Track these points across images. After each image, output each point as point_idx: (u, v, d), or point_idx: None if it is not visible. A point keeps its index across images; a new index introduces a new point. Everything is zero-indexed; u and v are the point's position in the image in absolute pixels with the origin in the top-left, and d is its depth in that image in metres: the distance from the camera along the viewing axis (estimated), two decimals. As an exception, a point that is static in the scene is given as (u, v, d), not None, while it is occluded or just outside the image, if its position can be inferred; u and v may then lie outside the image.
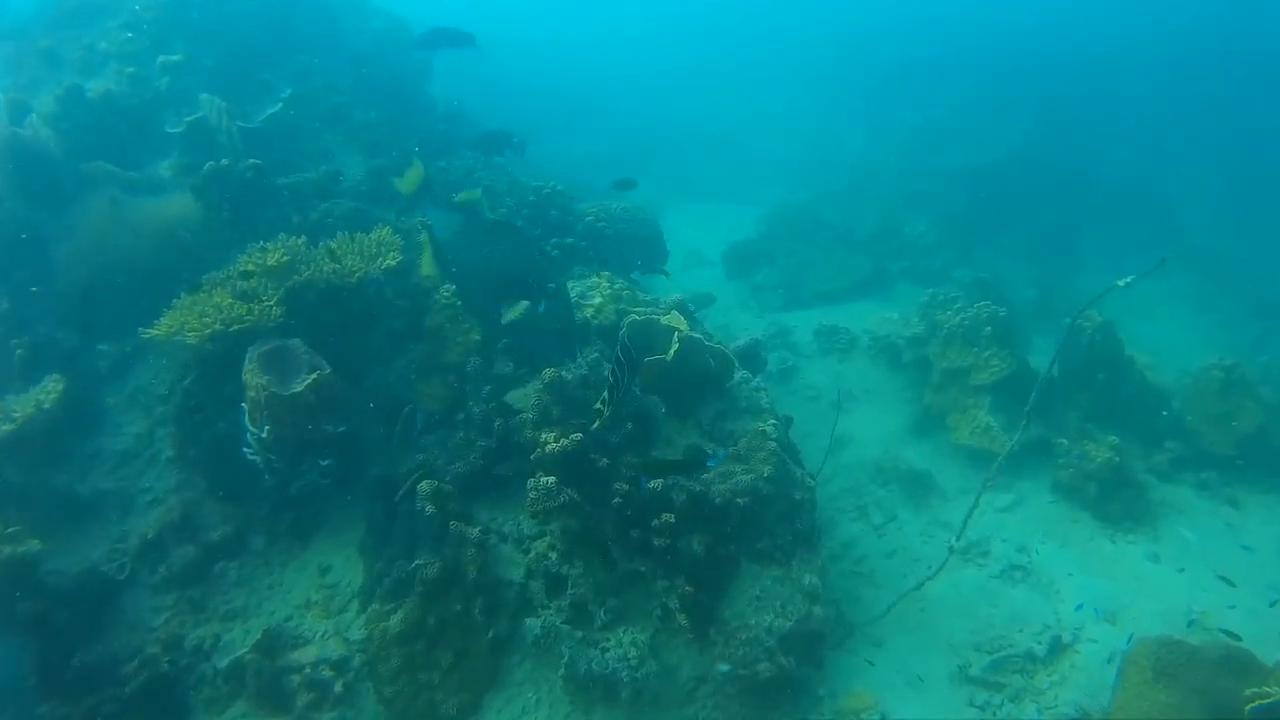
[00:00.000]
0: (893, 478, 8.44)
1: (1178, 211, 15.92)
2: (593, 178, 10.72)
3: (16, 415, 5.71)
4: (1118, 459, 7.84)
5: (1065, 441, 8.21)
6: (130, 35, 8.52)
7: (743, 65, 24.07)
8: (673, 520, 5.06)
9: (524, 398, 5.63)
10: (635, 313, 6.22)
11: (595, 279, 6.66)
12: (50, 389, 5.93)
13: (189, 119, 7.58)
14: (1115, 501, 7.84)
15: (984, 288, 10.95)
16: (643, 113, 20.67)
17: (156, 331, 5.51)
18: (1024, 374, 8.77)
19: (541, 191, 7.90)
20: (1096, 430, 8.38)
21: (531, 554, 5.34)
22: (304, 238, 5.99)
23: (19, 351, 6.16)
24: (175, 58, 8.25)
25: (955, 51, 20.86)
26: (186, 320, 5.48)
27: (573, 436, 5.03)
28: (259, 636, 5.32)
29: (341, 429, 5.53)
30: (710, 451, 5.71)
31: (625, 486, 5.07)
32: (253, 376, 5.16)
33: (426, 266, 5.11)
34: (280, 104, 8.26)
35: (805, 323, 11.13)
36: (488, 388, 5.63)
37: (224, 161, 6.84)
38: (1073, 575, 7.27)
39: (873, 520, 7.93)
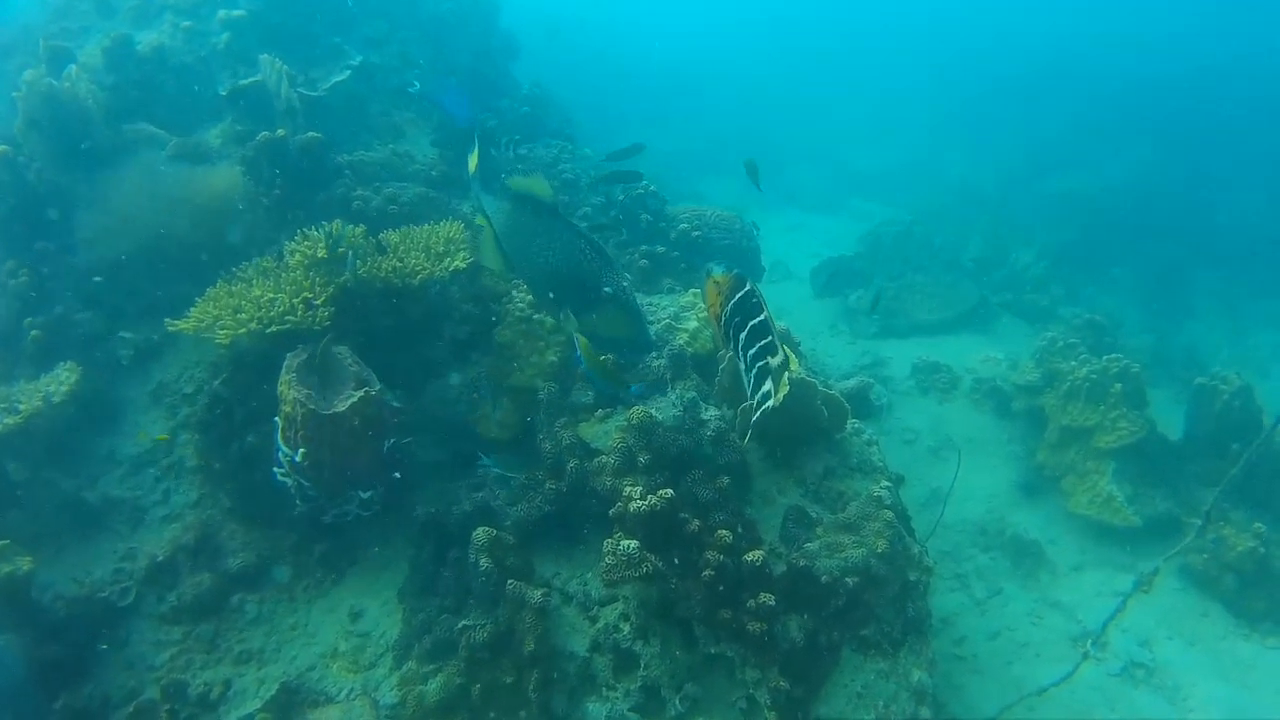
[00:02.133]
0: (997, 544, 7.64)
1: (1303, 257, 14.82)
2: (680, 178, 10.01)
3: (22, 408, 5.10)
4: (1263, 550, 6.94)
5: (1199, 522, 7.32)
6: (191, -17, 7.94)
7: (839, 73, 23.42)
8: (773, 603, 4.30)
9: (603, 436, 4.90)
10: (736, 343, 5.46)
11: (689, 297, 5.94)
12: (63, 379, 5.31)
13: (245, 82, 6.95)
14: (1256, 597, 6.95)
15: (1098, 331, 10.09)
16: (734, 113, 19.95)
17: (184, 325, 4.88)
18: (1154, 440, 7.89)
19: (632, 191, 7.16)
20: (1235, 511, 7.48)
21: (600, 623, 4.61)
22: (362, 227, 5.31)
23: (33, 333, 5.55)
24: (237, 12, 7.63)
25: (1066, 72, 20.10)
26: (219, 314, 4.83)
27: (662, 494, 4.29)
28: (275, 691, 4.65)
29: (389, 456, 4.83)
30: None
31: (719, 557, 4.33)
32: (289, 389, 4.48)
33: (489, 259, 4.39)
34: (349, 72, 7.63)
35: (902, 355, 10.32)
36: (562, 419, 4.90)
37: (280, 132, 6.19)
38: (1204, 680, 6.43)
39: (975, 593, 7.13)
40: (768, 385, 3.20)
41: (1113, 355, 8.12)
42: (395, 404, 4.97)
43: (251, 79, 6.99)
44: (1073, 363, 8.30)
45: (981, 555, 7.57)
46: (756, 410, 3.25)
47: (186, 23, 7.66)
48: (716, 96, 20.78)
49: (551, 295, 4.05)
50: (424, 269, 5.12)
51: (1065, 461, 8.04)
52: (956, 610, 6.89)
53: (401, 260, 5.13)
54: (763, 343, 3.22)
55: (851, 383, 6.32)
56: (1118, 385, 7.87)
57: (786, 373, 4.99)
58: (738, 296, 3.31)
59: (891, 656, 4.84)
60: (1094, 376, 7.97)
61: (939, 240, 13.79)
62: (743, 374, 3.38)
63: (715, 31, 28.05)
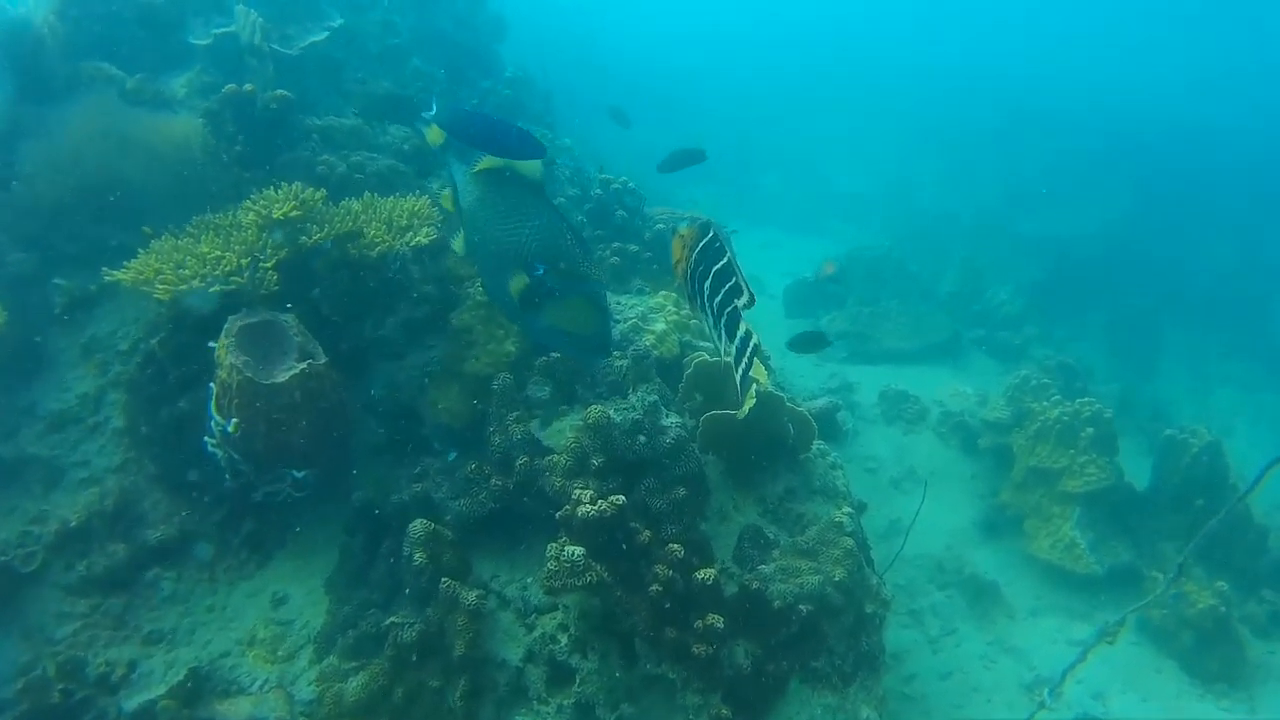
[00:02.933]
0: (954, 581, 7.49)
1: (1274, 317, 14.95)
2: (658, 179, 9.80)
3: (-64, 348, 4.78)
4: (1224, 609, 6.82)
5: (1160, 576, 7.20)
6: (170, -76, 7.59)
7: (822, 85, 23.44)
8: (721, 626, 4.09)
9: (555, 434, 4.67)
10: (702, 351, 5.26)
11: (659, 298, 5.72)
12: (-13, 321, 4.98)
13: (217, 31, 6.65)
14: (1212, 657, 6.83)
15: (1069, 374, 10.01)
16: (710, 115, 19.79)
17: (122, 275, 4.58)
18: (1121, 488, 7.76)
19: (610, 186, 6.92)
20: (1195, 568, 7.36)
21: (537, 632, 4.36)
22: (323, 191, 5.04)
23: (-42, 270, 5.23)
24: (215, -43, 7.30)
25: (1049, 115, 20.29)
26: (161, 268, 4.54)
27: (614, 499, 4.07)
28: (182, 676, 4.36)
29: (328, 435, 4.56)
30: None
31: (668, 572, 4.11)
32: (226, 354, 4.21)
33: (458, 244, 4.14)
34: (327, 33, 7.32)
35: (870, 381, 10.16)
36: (514, 413, 4.65)
37: (247, 86, 5.91)
38: (1155, 739, 6.32)
39: (928, 630, 6.97)
40: (744, 328, 2.89)
41: (1085, 399, 8.01)
42: (338, 379, 4.69)
43: (224, 29, 6.69)
44: (1045, 403, 8.17)
45: (938, 592, 7.42)
46: (743, 359, 2.92)
47: (161, -37, 7.34)
48: (698, 100, 20.64)
49: (504, 279, 3.79)
50: (383, 241, 4.87)
51: (1029, 503, 7.91)
52: (908, 647, 6.72)
53: (361, 231, 4.86)
54: (728, 286, 2.90)
55: (819, 403, 6.13)
56: (1089, 430, 7.75)
57: (755, 385, 4.80)
58: (701, 244, 3.01)
59: (841, 691, 4.64)
60: (1065, 419, 7.85)
61: (914, 268, 13.71)
62: (710, 329, 3.07)
63: (699, 34, 27.98)
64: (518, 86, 9.05)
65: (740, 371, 2.94)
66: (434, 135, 4.13)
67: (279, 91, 6.06)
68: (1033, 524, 7.81)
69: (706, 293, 3.01)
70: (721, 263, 2.93)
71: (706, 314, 3.07)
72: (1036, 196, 17.01)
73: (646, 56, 22.47)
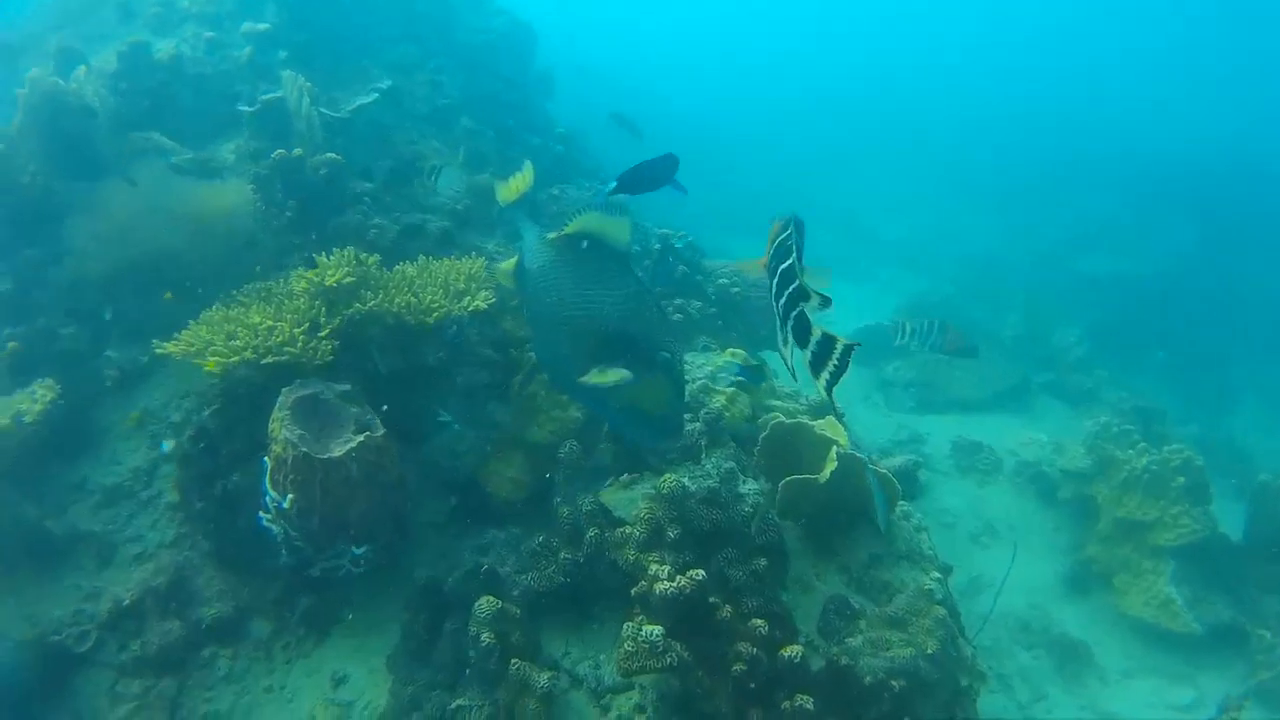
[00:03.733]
0: (1041, 641, 7.15)
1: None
2: (705, 235, 9.67)
3: (-10, 426, 4.68)
4: (1344, 668, 6.42)
5: (1268, 635, 6.81)
6: (216, -6, 7.65)
7: (863, 131, 23.34)
8: (810, 708, 3.82)
9: (626, 504, 4.46)
10: (778, 410, 5.04)
11: (727, 356, 5.51)
12: (38, 397, 4.90)
13: (265, 98, 6.61)
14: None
15: (1146, 418, 9.65)
16: (758, 169, 19.73)
17: (172, 348, 4.47)
18: (1216, 540, 7.39)
19: (669, 241, 6.76)
20: (1307, 623, 6.97)
21: (612, 714, 4.13)
22: (377, 256, 4.92)
23: (10, 344, 5.15)
24: (262, 26, 7.32)
25: (1101, 150, 19.99)
26: (212, 339, 4.42)
27: (693, 574, 3.85)
28: (240, 764, 4.18)
29: (386, 509, 4.39)
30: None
31: (752, 649, 3.86)
32: (281, 427, 4.07)
33: (506, 281, 3.97)
34: (376, 95, 7.29)
35: (941, 431, 9.86)
36: (582, 482, 4.46)
37: (296, 151, 5.84)
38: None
39: (1017, 695, 6.64)
40: (819, 332, 2.35)
41: (1175, 446, 7.66)
42: (397, 450, 4.53)
43: (272, 95, 6.66)
44: (1130, 451, 7.83)
45: (1024, 653, 7.09)
46: (829, 366, 2.33)
47: (209, 33, 7.37)
48: (741, 151, 20.60)
49: (576, 353, 3.57)
50: (440, 307, 4.72)
51: (1118, 557, 7.57)
52: (998, 715, 6.38)
53: (417, 296, 4.73)
54: (790, 289, 2.43)
55: (898, 460, 5.87)
56: (1180, 479, 7.41)
57: (835, 446, 4.58)
58: (779, 240, 2.61)
59: (935, 772, 4.35)
60: (1154, 468, 7.51)
61: (976, 313, 13.41)
62: (779, 330, 2.56)
63: (737, 84, 28.01)
64: (569, 143, 8.96)
65: (824, 381, 2.36)
66: (504, 193, 3.99)
67: (328, 155, 5.99)
68: (1123, 579, 7.46)
69: (774, 291, 2.58)
70: (788, 262, 2.51)
71: (776, 320, 2.58)
72: (1095, 236, 16.70)
73: (687, 109, 22.48)
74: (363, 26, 8.41)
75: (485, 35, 9.99)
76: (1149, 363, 13.42)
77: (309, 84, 6.53)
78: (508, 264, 4.08)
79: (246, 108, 6.71)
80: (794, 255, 2.51)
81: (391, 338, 4.83)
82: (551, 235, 3.75)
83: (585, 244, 3.64)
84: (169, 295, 4.89)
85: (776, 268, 2.60)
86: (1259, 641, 6.79)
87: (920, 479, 6.37)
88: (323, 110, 6.72)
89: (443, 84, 8.52)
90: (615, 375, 3.51)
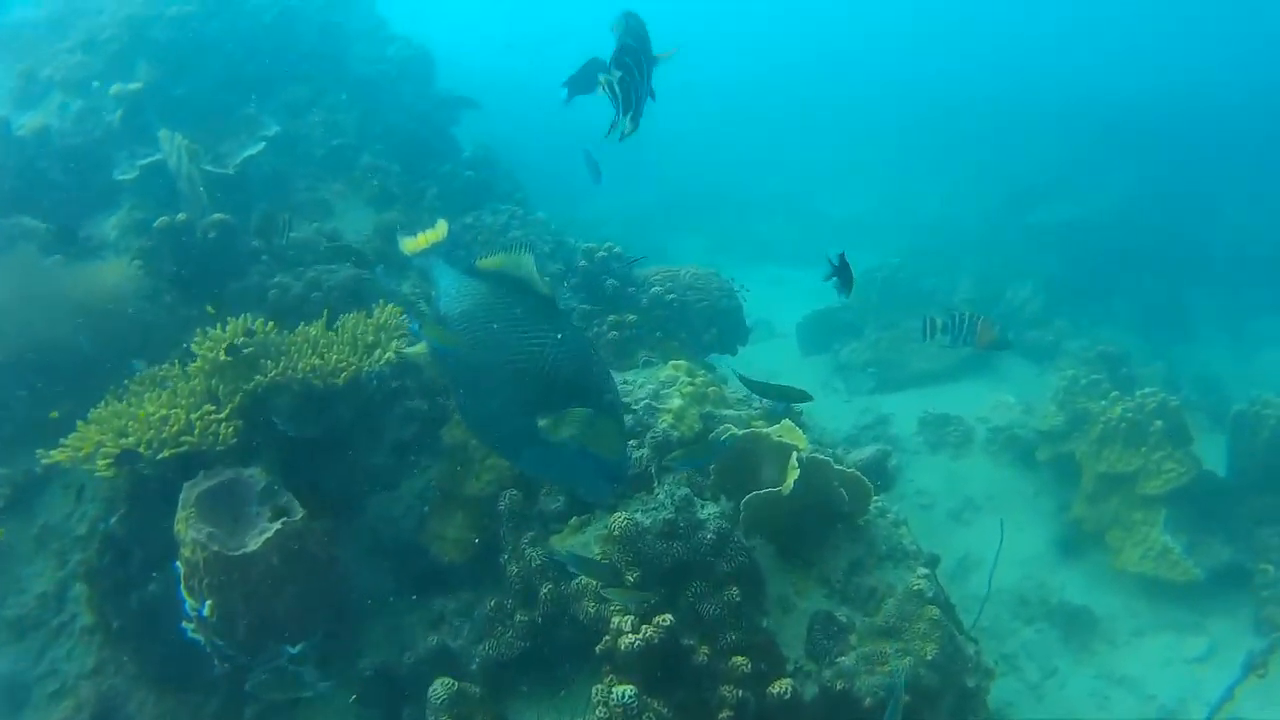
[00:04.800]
0: (1041, 613, 6.93)
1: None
2: (644, 236, 9.37)
3: None
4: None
5: (1270, 569, 6.60)
6: (81, 58, 7.19)
7: (801, 116, 23.16)
8: (810, 747, 3.52)
9: (580, 549, 4.12)
10: (728, 421, 4.74)
11: (670, 370, 5.19)
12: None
13: (143, 162, 6.22)
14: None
15: (1112, 363, 9.45)
16: (699, 165, 19.45)
17: (59, 455, 4.08)
18: (1203, 479, 7.18)
19: (595, 255, 6.41)
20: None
21: (595, 788, 3.78)
22: (270, 322, 4.54)
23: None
24: (134, 86, 6.87)
25: (1036, 104, 20.05)
26: (101, 438, 4.03)
27: (659, 620, 3.54)
28: None
29: (320, 598, 4.03)
30: None
31: (737, 693, 3.55)
32: (187, 528, 3.70)
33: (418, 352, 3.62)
34: (263, 144, 6.89)
35: (905, 409, 9.62)
36: (529, 534, 4.12)
37: (180, 217, 5.45)
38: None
39: (1027, 675, 6.42)
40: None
41: (1147, 391, 7.46)
42: (325, 529, 4.16)
43: (150, 159, 6.27)
44: (1102, 402, 7.62)
45: (1026, 629, 6.86)
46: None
47: (77, 101, 6.94)
48: (683, 148, 20.31)
49: (513, 406, 3.21)
50: (349, 365, 4.36)
51: (1107, 513, 7.35)
52: (1009, 699, 6.13)
53: (322, 357, 4.36)
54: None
55: (867, 452, 5.57)
56: (1158, 422, 7.20)
57: (796, 451, 4.28)
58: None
59: (952, 789, 4.06)
60: (1130, 415, 7.30)
61: (928, 283, 13.14)
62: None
63: (671, 79, 27.75)
64: (480, 166, 8.57)
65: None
66: (409, 245, 3.63)
67: (217, 216, 5.61)
68: (1116, 536, 7.23)
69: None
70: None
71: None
72: (1044, 187, 16.67)
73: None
74: (246, 71, 8.01)
75: (381, 65, 9.61)
76: (1105, 308, 13.32)
77: (188, 141, 6.13)
78: (415, 350, 3.71)
79: (124, 175, 6.31)
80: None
81: (302, 405, 4.46)
82: (472, 267, 3.39)
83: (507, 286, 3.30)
84: (55, 414, 4.48)
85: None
86: (1262, 576, 6.59)
87: (891, 466, 6.08)
88: (207, 168, 6.33)
89: (338, 122, 8.15)
90: (572, 424, 3.17)
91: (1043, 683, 6.32)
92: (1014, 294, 12.80)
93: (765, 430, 4.44)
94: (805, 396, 4.66)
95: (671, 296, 6.38)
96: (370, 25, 10.27)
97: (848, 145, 20.87)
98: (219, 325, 4.48)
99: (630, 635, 3.49)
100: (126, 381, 4.58)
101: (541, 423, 3.14)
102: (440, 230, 3.72)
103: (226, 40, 8.03)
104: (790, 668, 3.91)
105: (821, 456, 4.38)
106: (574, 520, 4.27)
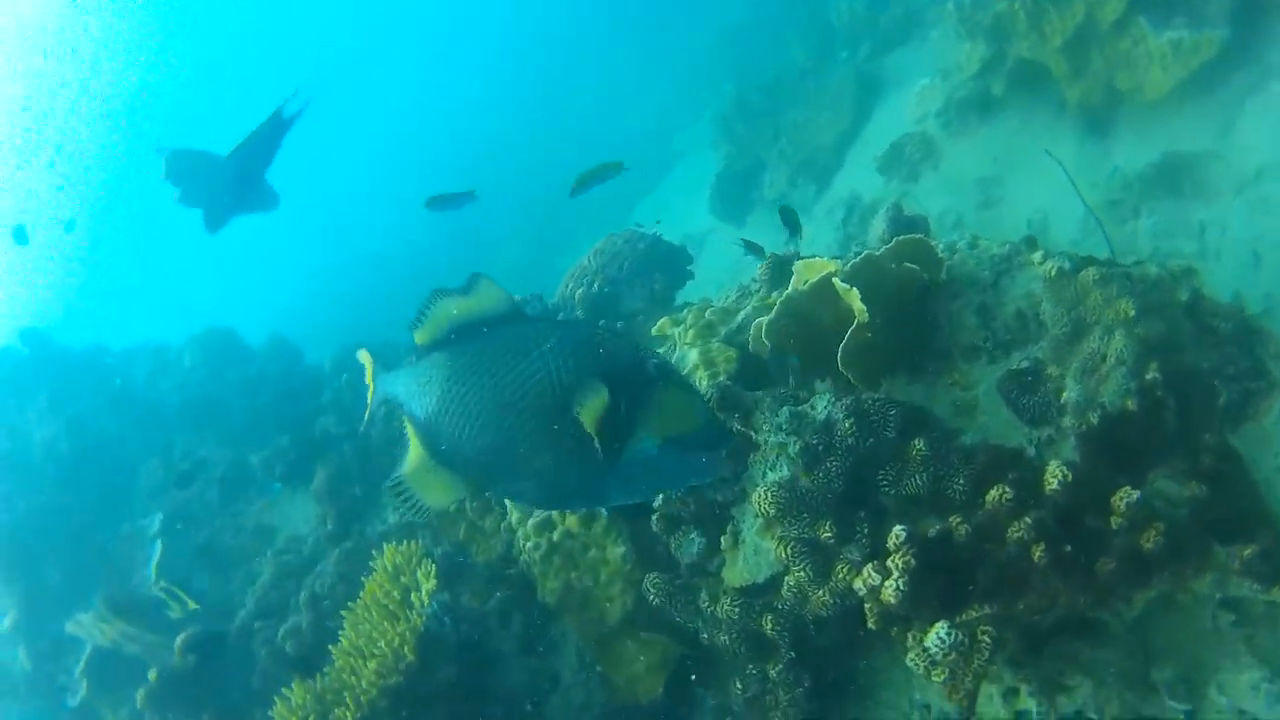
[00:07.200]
0: (1135, 194, 6.36)
1: None
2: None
3: None
4: None
5: None
6: None
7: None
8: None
9: (754, 554, 3.40)
10: (747, 321, 4.06)
11: (655, 332, 4.56)
12: None
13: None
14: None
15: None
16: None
17: None
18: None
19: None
20: None
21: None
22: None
23: None
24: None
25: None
26: None
27: (895, 538, 2.86)
28: None
29: None
30: None
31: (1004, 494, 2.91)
32: None
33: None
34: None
35: (855, 176, 9.03)
36: (703, 598, 3.43)
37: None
38: None
39: (1184, 248, 5.79)
40: None
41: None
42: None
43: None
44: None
45: (1139, 221, 6.19)
46: None
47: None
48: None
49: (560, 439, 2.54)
50: (398, 635, 3.62)
51: (1100, 71, 6.63)
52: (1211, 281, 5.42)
53: (370, 653, 3.62)
54: None
55: (884, 222, 4.75)
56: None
57: (834, 278, 3.59)
58: None
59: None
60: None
61: (769, 75, 12.22)
62: None
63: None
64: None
65: None
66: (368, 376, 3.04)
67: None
68: (1124, 78, 6.53)
69: None
70: None
71: None
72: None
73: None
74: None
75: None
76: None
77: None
78: (441, 501, 3.02)
79: None
80: None
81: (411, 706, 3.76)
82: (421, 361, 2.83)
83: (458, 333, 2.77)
84: None
85: None
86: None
87: (912, 212, 5.32)
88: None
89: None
90: (632, 421, 2.57)
91: (1203, 244, 5.65)
92: (836, 11, 11.81)
93: (791, 292, 3.73)
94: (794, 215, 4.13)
95: (595, 288, 5.68)
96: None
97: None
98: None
99: (886, 579, 2.79)
100: None
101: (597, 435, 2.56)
102: (364, 357, 3.15)
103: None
104: (1025, 446, 3.22)
105: (857, 260, 3.67)
106: (724, 540, 3.55)
